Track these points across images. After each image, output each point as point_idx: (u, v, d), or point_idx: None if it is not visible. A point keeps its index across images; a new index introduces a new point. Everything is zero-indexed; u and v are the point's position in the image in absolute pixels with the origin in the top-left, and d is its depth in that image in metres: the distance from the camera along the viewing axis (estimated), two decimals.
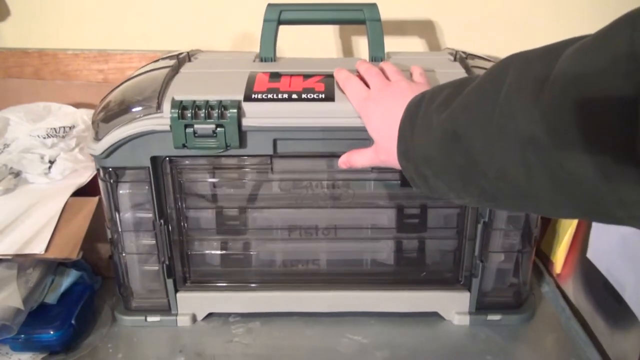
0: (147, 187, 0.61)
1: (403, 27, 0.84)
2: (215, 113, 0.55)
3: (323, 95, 0.57)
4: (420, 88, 0.50)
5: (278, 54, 0.68)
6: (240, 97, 0.57)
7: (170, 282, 0.66)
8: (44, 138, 0.74)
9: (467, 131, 0.38)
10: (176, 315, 0.67)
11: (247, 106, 0.56)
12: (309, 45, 0.84)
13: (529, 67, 0.34)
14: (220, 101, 0.56)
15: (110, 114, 0.58)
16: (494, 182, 0.37)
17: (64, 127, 0.76)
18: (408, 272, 0.70)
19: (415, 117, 0.45)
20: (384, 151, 0.51)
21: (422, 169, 0.44)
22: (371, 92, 0.54)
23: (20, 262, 0.63)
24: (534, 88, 0.32)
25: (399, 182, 0.65)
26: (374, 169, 0.62)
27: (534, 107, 0.31)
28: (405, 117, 0.47)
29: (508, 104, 0.34)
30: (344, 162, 0.57)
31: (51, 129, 0.75)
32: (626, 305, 0.59)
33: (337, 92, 0.58)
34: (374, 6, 0.67)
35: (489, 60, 0.68)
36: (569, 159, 0.30)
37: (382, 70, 0.57)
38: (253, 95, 0.57)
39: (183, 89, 0.58)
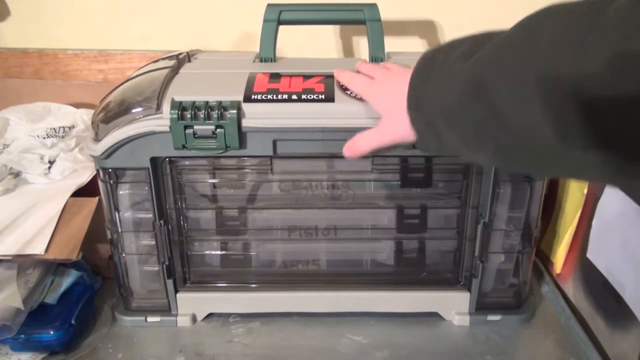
0: (146, 188, 0.61)
1: (403, 27, 0.84)
2: (214, 114, 0.55)
3: (323, 96, 0.57)
4: None
5: (278, 54, 0.68)
6: (240, 97, 0.57)
7: (170, 282, 0.66)
8: (44, 138, 0.74)
9: (495, 80, 0.36)
10: (176, 315, 0.67)
11: (246, 107, 0.56)
12: (309, 45, 0.84)
13: (575, 9, 0.31)
14: (220, 102, 0.56)
15: (110, 114, 0.58)
16: (517, 136, 0.35)
17: (63, 127, 0.76)
18: (408, 272, 0.70)
19: (431, 68, 0.44)
20: (391, 120, 0.49)
21: (435, 122, 0.43)
22: (377, 78, 0.55)
23: (20, 262, 0.63)
24: (587, 28, 0.29)
25: (399, 182, 0.65)
26: (374, 169, 0.62)
27: (587, 52, 0.29)
28: (418, 70, 0.45)
29: (552, 50, 0.31)
30: (348, 148, 0.54)
31: (51, 129, 0.75)
32: (626, 305, 0.59)
33: (337, 93, 0.58)
34: (374, 6, 0.67)
35: None
36: (627, 116, 0.28)
37: (384, 67, 0.58)
38: (253, 96, 0.57)
39: (183, 90, 0.58)
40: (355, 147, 0.54)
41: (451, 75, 0.40)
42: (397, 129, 0.48)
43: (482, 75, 0.37)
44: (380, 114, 0.52)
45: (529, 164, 0.39)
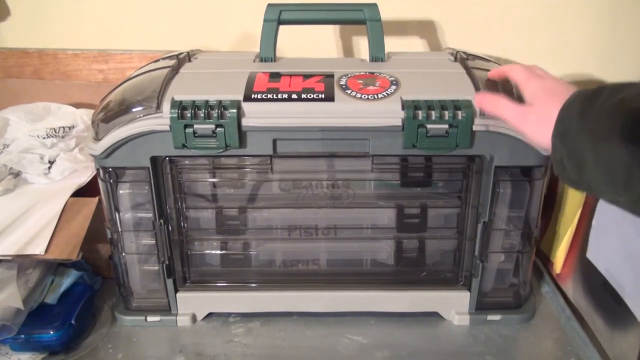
0: (147, 187, 0.61)
1: (403, 27, 0.84)
2: (214, 113, 0.55)
3: (323, 95, 0.57)
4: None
5: (278, 54, 0.68)
6: (240, 97, 0.57)
7: (170, 282, 0.66)
8: (44, 138, 0.74)
9: None
10: (176, 315, 0.67)
11: (246, 106, 0.56)
12: (309, 45, 0.84)
13: None
14: (220, 101, 0.56)
15: (110, 114, 0.58)
16: None
17: (63, 127, 0.76)
18: (408, 272, 0.70)
19: (591, 101, 0.44)
20: (538, 114, 0.49)
21: (583, 153, 0.43)
22: (535, 70, 0.54)
23: (20, 262, 0.63)
24: None
25: (399, 182, 0.65)
26: (374, 169, 0.61)
27: None
28: (573, 100, 0.46)
29: None
30: (484, 98, 0.55)
31: (51, 129, 0.75)
32: (625, 305, 0.59)
33: (336, 92, 0.58)
34: (374, 6, 0.67)
35: (489, 61, 0.68)
36: None
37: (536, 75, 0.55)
38: (253, 95, 0.57)
39: (183, 89, 0.58)
40: (490, 103, 0.54)
41: (615, 113, 0.41)
42: (539, 124, 0.49)
43: None
44: (529, 102, 0.51)
45: None
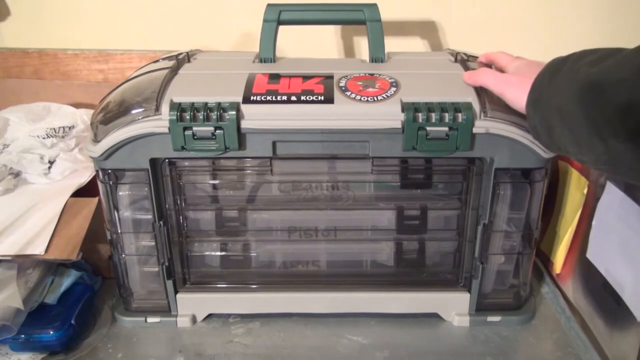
0: (146, 189, 0.61)
1: (403, 28, 0.84)
2: (214, 115, 0.55)
3: (322, 97, 0.57)
4: None
5: (278, 54, 0.68)
6: (239, 99, 0.57)
7: (170, 283, 0.66)
8: (44, 138, 0.74)
9: (615, 85, 0.39)
10: (176, 316, 0.67)
11: (246, 108, 0.56)
12: (309, 45, 0.84)
13: None
14: (219, 103, 0.56)
15: (109, 115, 0.58)
16: (626, 141, 0.38)
17: (63, 127, 0.76)
18: (408, 273, 0.70)
19: (559, 70, 0.47)
20: (519, 78, 0.53)
21: (551, 119, 0.47)
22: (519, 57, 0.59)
23: (20, 262, 0.63)
24: None
25: (399, 183, 0.65)
26: (374, 170, 0.61)
27: None
28: (545, 70, 0.49)
29: None
30: (470, 74, 0.59)
31: (51, 129, 0.75)
32: (625, 305, 0.59)
33: (336, 94, 0.58)
34: (374, 6, 0.67)
35: None
36: None
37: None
38: (252, 97, 0.57)
39: (182, 91, 0.58)
40: (474, 74, 0.58)
41: (575, 79, 0.44)
42: (520, 85, 0.52)
43: (604, 81, 0.41)
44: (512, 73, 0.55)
45: (635, 172, 0.41)
